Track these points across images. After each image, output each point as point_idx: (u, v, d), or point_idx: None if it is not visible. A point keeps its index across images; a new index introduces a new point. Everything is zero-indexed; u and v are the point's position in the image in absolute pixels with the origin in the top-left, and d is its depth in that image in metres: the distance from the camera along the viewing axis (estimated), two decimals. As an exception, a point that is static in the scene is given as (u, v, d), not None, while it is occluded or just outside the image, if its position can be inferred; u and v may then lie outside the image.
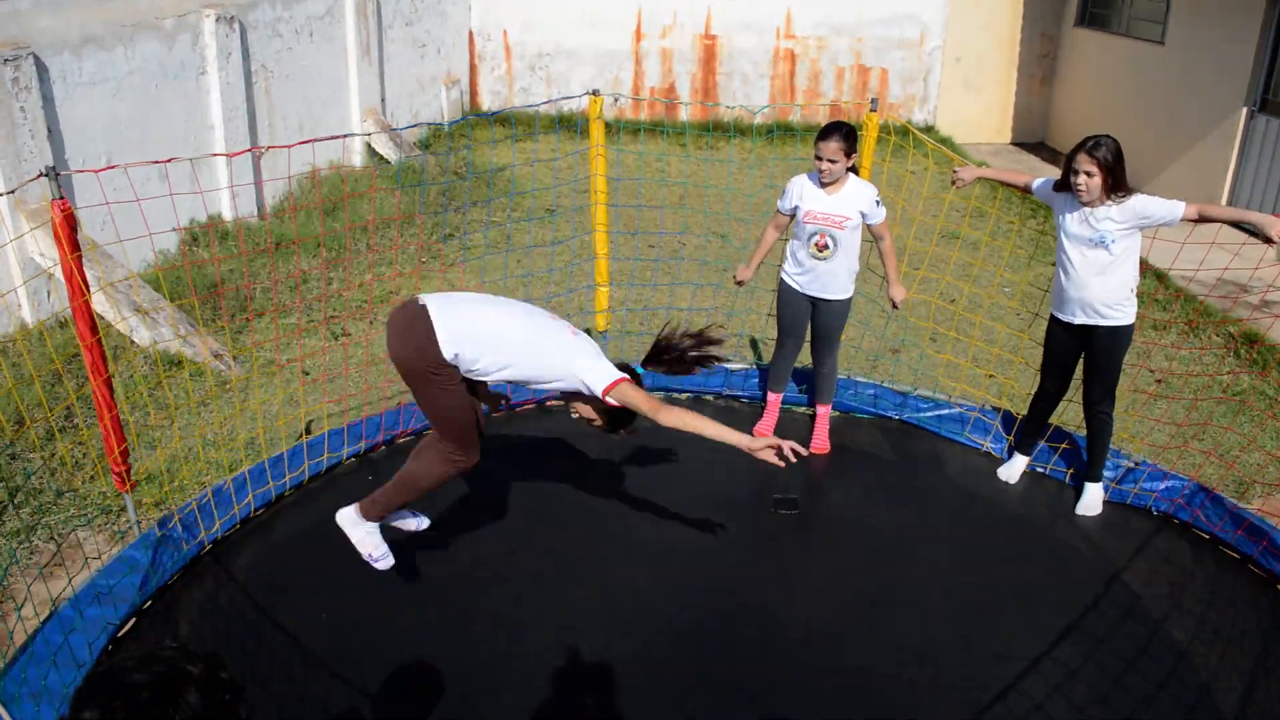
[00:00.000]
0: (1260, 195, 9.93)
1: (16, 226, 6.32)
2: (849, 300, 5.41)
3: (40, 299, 6.68)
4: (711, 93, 14.66)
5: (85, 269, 4.00)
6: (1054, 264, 4.97)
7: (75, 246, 3.87)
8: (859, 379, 6.34)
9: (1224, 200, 10.42)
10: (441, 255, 8.71)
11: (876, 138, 5.96)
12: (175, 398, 5.95)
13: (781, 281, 5.51)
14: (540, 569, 4.52)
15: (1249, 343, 7.25)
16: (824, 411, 5.72)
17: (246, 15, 8.86)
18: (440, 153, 11.88)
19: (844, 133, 5.09)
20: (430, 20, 13.01)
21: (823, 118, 14.57)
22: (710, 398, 6.25)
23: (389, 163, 11.12)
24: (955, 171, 5.26)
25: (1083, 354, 4.99)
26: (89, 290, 3.98)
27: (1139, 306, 4.87)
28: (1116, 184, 4.61)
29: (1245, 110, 10.18)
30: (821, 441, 5.68)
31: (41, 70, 6.54)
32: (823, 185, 5.21)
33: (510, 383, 3.85)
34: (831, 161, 5.10)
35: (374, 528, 4.07)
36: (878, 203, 5.24)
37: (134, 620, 4.09)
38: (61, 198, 3.82)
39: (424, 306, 3.63)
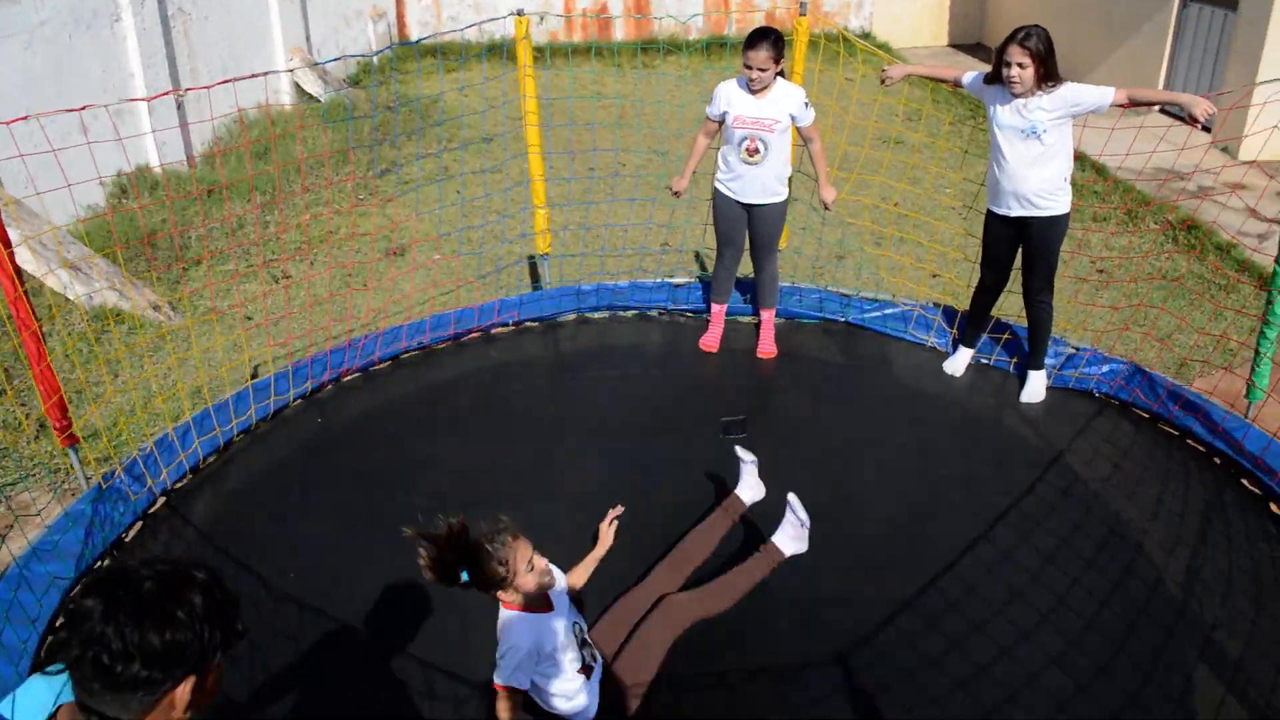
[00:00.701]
0: (1195, 83, 9.99)
1: (-67, 188, 6.14)
2: (784, 203, 5.42)
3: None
4: (644, 8, 14.43)
5: (7, 227, 3.90)
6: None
7: (-11, 200, 3.77)
8: (803, 285, 6.36)
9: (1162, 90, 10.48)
10: (378, 191, 8.58)
11: (807, 43, 5.91)
12: (115, 352, 5.86)
13: (715, 190, 5.50)
14: (495, 500, 4.53)
15: (1187, 229, 7.35)
16: (768, 317, 5.75)
17: (157, -45, 8.56)
18: (369, 86, 11.64)
19: (772, 40, 5.04)
20: (351, -48, 12.64)
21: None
22: (656, 313, 6.25)
23: (318, 101, 10.88)
24: (884, 70, 5.24)
25: (1020, 246, 5.04)
26: (9, 245, 3.88)
27: (1076, 197, 4.92)
28: (1048, 74, 4.62)
29: (1177, 1, 10.19)
30: (768, 346, 5.72)
31: (-56, 24, 6.31)
32: (752, 92, 5.17)
33: None
34: (761, 70, 5.07)
35: None
36: (806, 104, 5.22)
37: (86, 578, 4.07)
38: (-31, 150, 3.70)
39: None
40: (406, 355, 5.74)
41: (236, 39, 9.99)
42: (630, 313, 6.27)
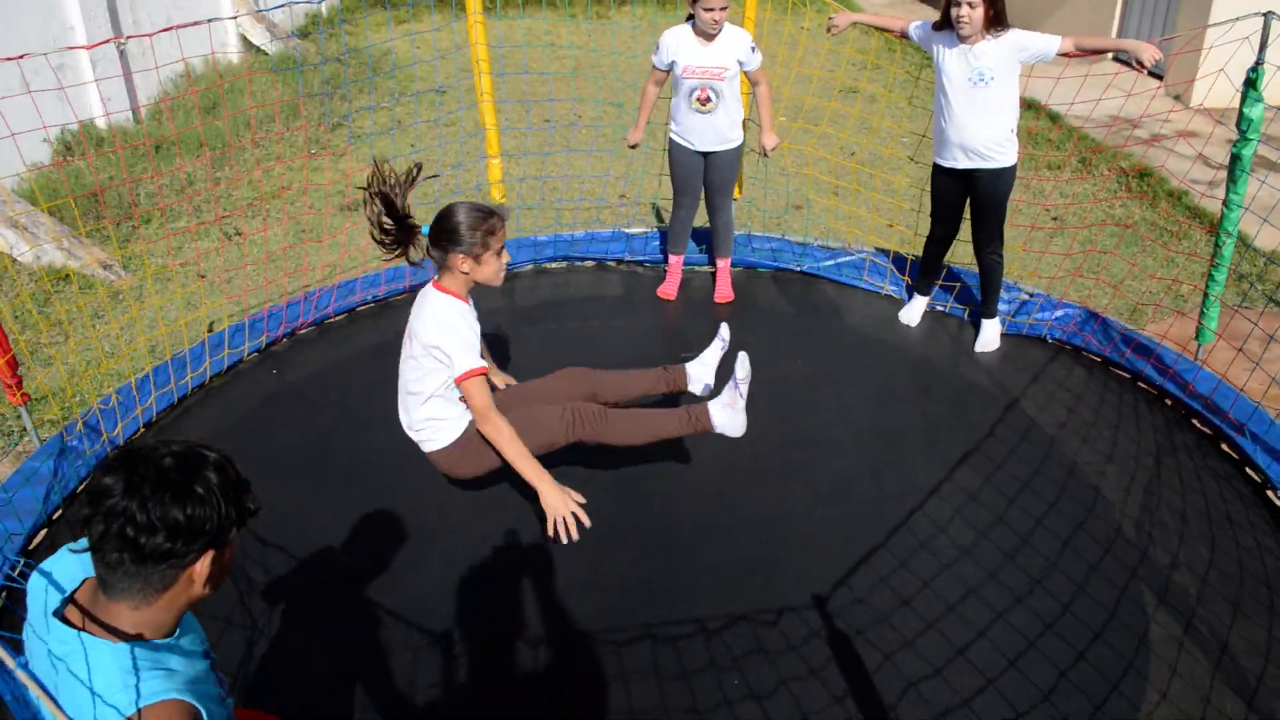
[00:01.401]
0: (1148, 30, 10.05)
1: None
2: (738, 148, 5.41)
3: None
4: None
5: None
6: None
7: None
8: (759, 234, 6.36)
9: (1113, 38, 10.52)
10: (330, 144, 8.45)
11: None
12: (66, 312, 5.76)
13: (670, 140, 5.47)
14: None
15: (1138, 175, 7.43)
16: (724, 265, 5.75)
17: (95, -98, 8.31)
18: (318, 36, 11.42)
19: None
20: (296, -100, 12.34)
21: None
22: (613, 264, 6.23)
23: (266, 54, 10.66)
24: (831, 18, 5.21)
25: (968, 198, 5.06)
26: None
27: (1029, 145, 4.94)
28: (997, 17, 4.62)
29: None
30: (725, 291, 5.74)
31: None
32: (707, 38, 5.13)
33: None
34: (722, 9, 5.01)
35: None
36: (753, 49, 5.19)
37: (44, 531, 4.02)
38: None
39: None
40: (362, 308, 5.69)
41: (180, -10, 9.74)
42: (588, 263, 6.25)
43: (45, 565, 1.77)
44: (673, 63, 5.22)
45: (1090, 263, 6.19)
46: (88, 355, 5.37)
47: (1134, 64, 4.51)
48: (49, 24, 7.78)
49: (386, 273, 5.82)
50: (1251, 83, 4.43)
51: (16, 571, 3.78)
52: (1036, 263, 6.13)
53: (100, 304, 5.86)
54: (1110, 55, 10.04)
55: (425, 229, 3.38)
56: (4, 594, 3.67)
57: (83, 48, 4.38)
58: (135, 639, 1.66)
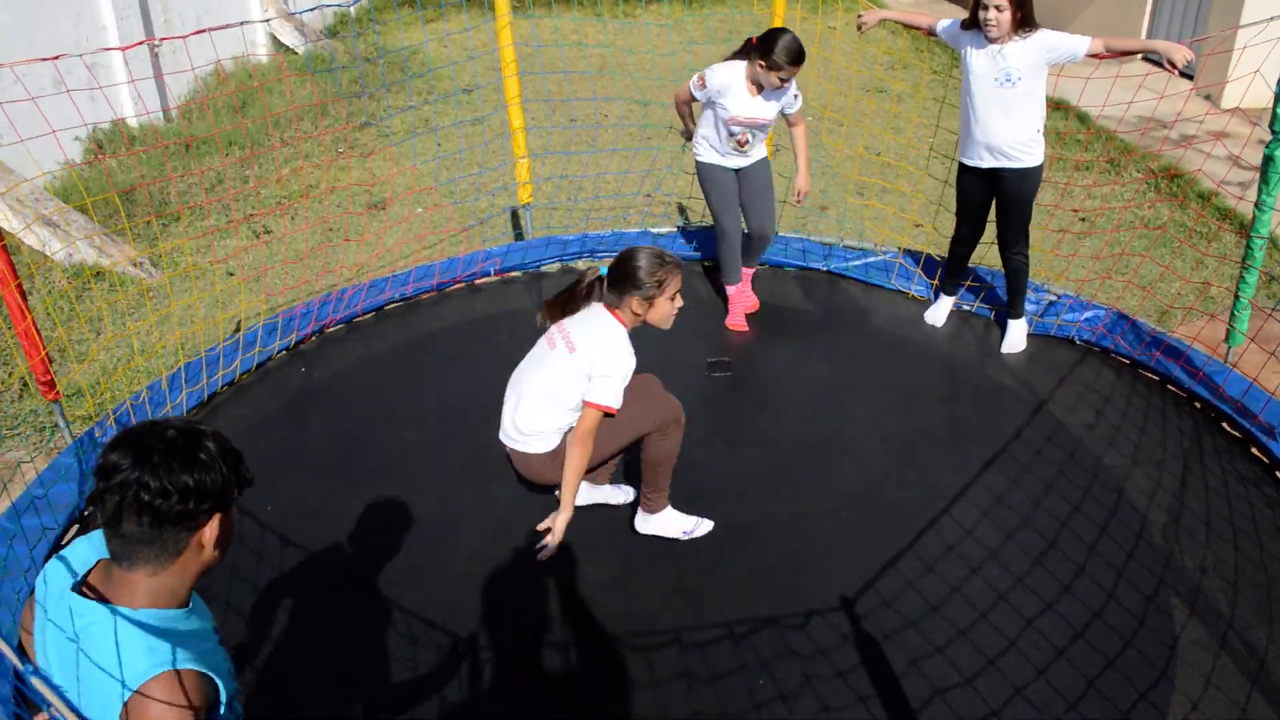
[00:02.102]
0: (1178, 30, 9.96)
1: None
2: (767, 158, 5.39)
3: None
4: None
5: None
6: None
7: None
8: (786, 234, 6.36)
9: (1142, 39, 10.44)
10: (358, 144, 8.51)
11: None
12: (98, 309, 5.82)
13: (700, 163, 5.31)
14: (482, 447, 4.53)
15: (1169, 178, 7.37)
16: (748, 273, 5.70)
17: (128, -97, 8.39)
18: (348, 37, 11.49)
19: (801, 51, 4.87)
20: (326, -100, 12.41)
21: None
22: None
23: (296, 53, 10.74)
24: (860, 16, 5.20)
25: (994, 198, 5.03)
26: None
27: (1057, 146, 4.91)
28: (1025, 19, 4.59)
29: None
30: (750, 301, 5.68)
31: (-89, -25, 6.18)
32: (759, 87, 5.00)
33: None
34: (784, 83, 4.93)
35: (668, 512, 3.96)
36: (796, 95, 5.12)
37: (76, 527, 4.07)
38: (-56, 102, 3.65)
39: None
40: (390, 307, 5.73)
41: (211, -10, 9.82)
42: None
43: (60, 554, 1.84)
44: (715, 102, 5.08)
45: (1120, 265, 6.14)
46: (119, 352, 5.43)
47: (1165, 65, 4.47)
48: (81, 23, 7.87)
49: (416, 271, 5.85)
50: (1285, 83, 4.37)
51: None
52: (1066, 265, 6.09)
53: (131, 301, 5.93)
54: (1140, 56, 9.96)
55: (604, 270, 3.55)
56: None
57: (117, 49, 4.43)
58: (152, 607, 1.74)
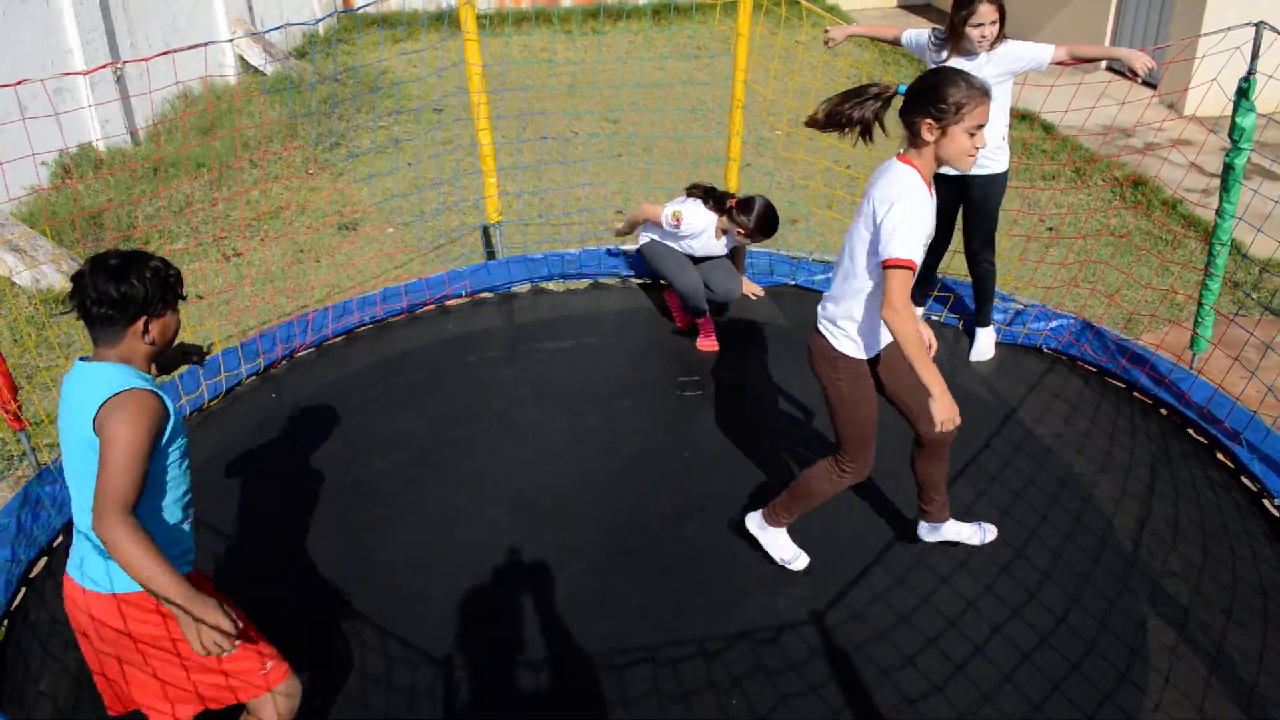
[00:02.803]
0: (1140, 39, 10.08)
1: None
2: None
3: (-94, 245, 6.36)
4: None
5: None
6: None
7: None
8: (754, 249, 6.38)
9: (1106, 46, 10.56)
10: (327, 164, 8.48)
11: (759, 7, 5.91)
12: (67, 334, 5.77)
13: (645, 245, 5.57)
14: (455, 471, 4.54)
15: (1133, 185, 7.45)
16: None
17: (91, -74, 8.35)
18: (314, 56, 11.47)
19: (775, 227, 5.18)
20: (292, -80, 12.39)
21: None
22: (611, 281, 6.24)
23: (264, 74, 10.70)
24: (827, 31, 5.25)
25: (960, 205, 5.08)
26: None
27: (1023, 155, 4.97)
28: (1002, 32, 4.67)
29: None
30: (711, 341, 5.61)
31: None
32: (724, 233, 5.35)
33: None
34: (740, 231, 5.19)
35: (780, 533, 3.88)
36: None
37: (45, 559, 4.03)
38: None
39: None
40: (360, 329, 5.71)
41: (177, 11, 9.78)
42: (584, 282, 6.26)
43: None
44: (678, 235, 5.33)
45: (1086, 273, 6.20)
46: (87, 378, 5.38)
47: (1127, 72, 4.54)
48: (46, 46, 7.82)
49: (382, 292, 5.83)
50: (1244, 92, 4.45)
51: (18, 600, 3.79)
52: (1032, 273, 6.14)
53: (99, 327, 5.87)
54: (1104, 64, 10.08)
55: (902, 88, 3.21)
56: (4, 624, 3.67)
57: (81, 73, 4.41)
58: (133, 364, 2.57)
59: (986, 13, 4.59)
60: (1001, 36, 4.69)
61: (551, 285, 6.24)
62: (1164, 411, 4.82)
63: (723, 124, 7.40)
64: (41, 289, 6.11)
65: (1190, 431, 4.68)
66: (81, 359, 2.59)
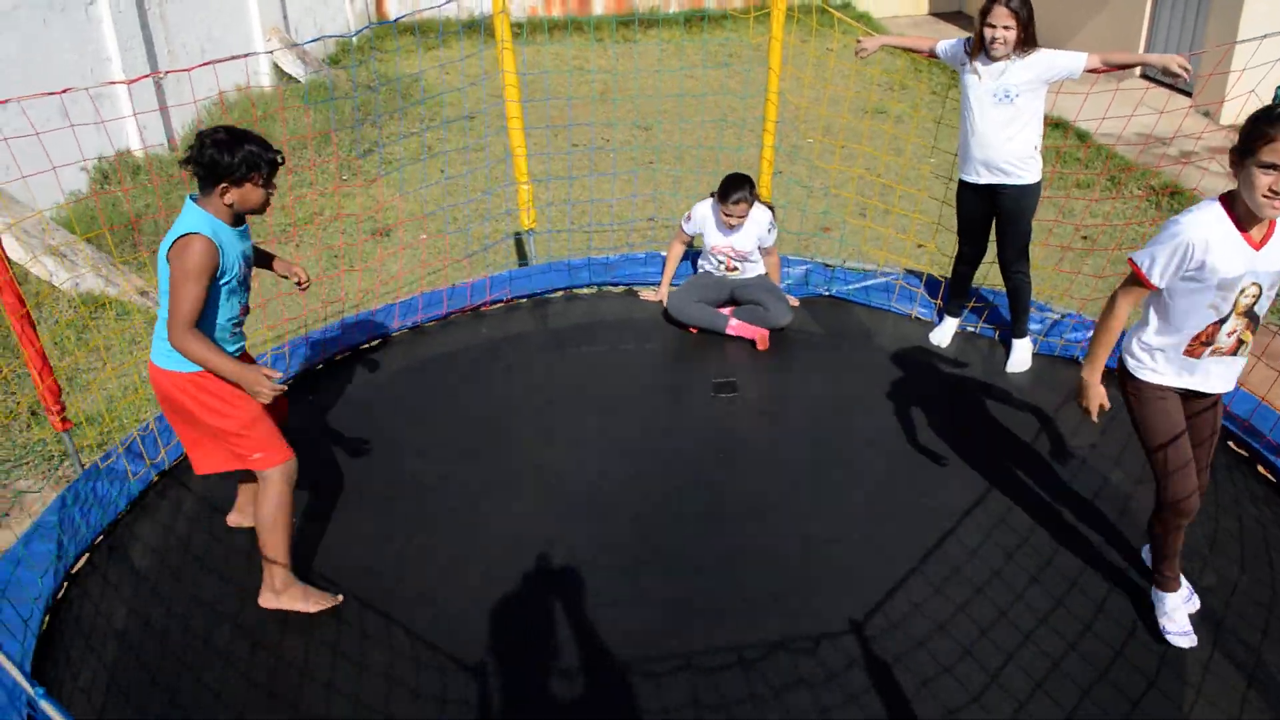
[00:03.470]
0: (1175, 47, 10.01)
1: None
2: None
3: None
4: (624, -16, 14.35)
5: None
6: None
7: (-25, 186, 3.76)
8: (789, 256, 6.38)
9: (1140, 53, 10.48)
10: (361, 171, 8.55)
11: (791, 17, 5.92)
12: (104, 338, 5.85)
13: (672, 298, 5.80)
14: (491, 472, 4.56)
15: (1169, 195, 7.39)
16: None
17: (131, -64, 8.47)
18: (349, 66, 11.57)
19: (749, 189, 5.48)
20: (327, -71, 12.52)
21: (737, 1, 14.36)
22: (644, 291, 6.26)
23: (298, 81, 10.81)
24: (859, 41, 5.25)
25: (993, 215, 5.06)
26: (-4, 230, 3.87)
27: (1058, 163, 4.95)
28: (1029, 37, 4.65)
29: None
30: (755, 331, 5.69)
31: (-82, 9, 6.24)
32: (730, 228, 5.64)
33: None
34: (740, 218, 5.53)
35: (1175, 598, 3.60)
36: (771, 227, 5.65)
37: (87, 555, 4.08)
38: (-46, 136, 3.68)
39: None
40: (397, 334, 5.75)
41: (213, 20, 9.91)
42: (619, 288, 6.28)
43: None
44: (700, 233, 5.75)
45: (1121, 281, 6.15)
46: (125, 381, 5.45)
47: (1163, 77, 4.51)
48: (85, 54, 7.93)
49: (423, 298, 5.87)
50: (1283, 101, 4.41)
51: (60, 595, 3.84)
52: (1069, 283, 6.11)
53: (137, 330, 5.95)
54: (1138, 72, 10.02)
55: None
56: (47, 617, 3.72)
57: (123, 82, 4.47)
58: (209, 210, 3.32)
59: (1001, 15, 4.60)
60: (1033, 45, 4.67)
61: (585, 291, 6.26)
62: (1203, 423, 4.77)
63: (754, 132, 7.41)
64: (81, 293, 6.19)
65: (1231, 444, 4.63)
66: (190, 196, 3.33)
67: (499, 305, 6.08)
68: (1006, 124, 4.75)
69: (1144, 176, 7.76)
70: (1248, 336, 3.30)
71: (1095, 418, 3.42)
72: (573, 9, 14.17)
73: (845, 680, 3.43)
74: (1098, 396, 3.39)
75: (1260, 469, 4.47)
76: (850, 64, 11.04)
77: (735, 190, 5.44)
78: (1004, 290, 5.37)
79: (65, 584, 3.92)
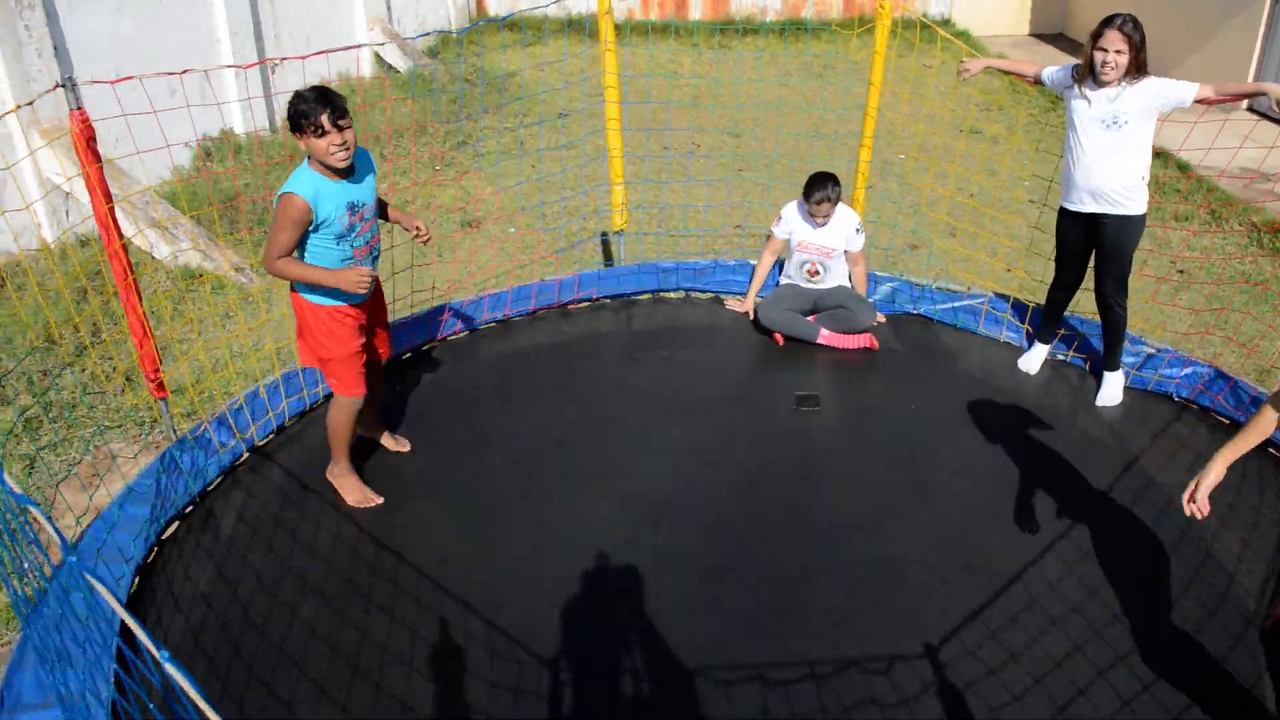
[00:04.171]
0: (1284, 80, 9.75)
1: (31, 144, 6.32)
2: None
3: (60, 217, 6.70)
4: (722, -9, 14.35)
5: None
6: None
7: (96, 156, 3.89)
8: (877, 273, 6.33)
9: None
10: (456, 163, 8.67)
11: (892, 32, 5.89)
12: (198, 310, 6.01)
13: (761, 309, 5.83)
14: (569, 471, 4.60)
15: (1273, 232, 7.20)
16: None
17: (247, -77, 8.70)
18: (450, 60, 11.73)
19: (832, 183, 5.52)
20: (433, -77, 12.72)
21: (834, 12, 14.29)
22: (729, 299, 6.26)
23: (399, 72, 11.00)
24: (962, 62, 5.19)
25: (1094, 245, 4.96)
26: (110, 200, 4.00)
27: (1156, 194, 4.84)
28: (1139, 64, 4.55)
29: (1270, -7, 9.94)
30: (853, 340, 5.73)
31: (44, -14, 6.47)
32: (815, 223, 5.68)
33: None
34: (827, 215, 5.58)
35: None
36: (858, 230, 5.67)
37: (178, 522, 4.20)
38: (79, 108, 3.81)
39: None
40: (484, 326, 5.83)
41: (319, 9, 10.13)
42: (707, 295, 6.29)
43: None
44: (790, 234, 5.76)
45: (1219, 320, 6.01)
46: (216, 355, 5.59)
47: (1274, 111, 4.38)
48: (196, 35, 8.16)
49: (512, 292, 5.95)
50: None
51: (151, 557, 3.96)
52: (1162, 316, 5.98)
53: (231, 306, 6.11)
54: (1245, 105, 9.77)
55: None
56: (136, 579, 3.84)
57: (238, 66, 4.60)
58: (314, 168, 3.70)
59: (1113, 39, 4.50)
60: (1143, 71, 4.58)
61: (671, 295, 6.28)
62: (1299, 470, 4.64)
63: (846, 146, 7.36)
64: (180, 266, 6.36)
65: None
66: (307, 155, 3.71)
67: (585, 304, 6.13)
68: (1113, 151, 4.66)
69: (1246, 212, 7.56)
70: None
71: (1191, 499, 3.15)
72: (671, 13, 14.21)
73: (916, 703, 3.40)
74: (1209, 484, 3.12)
75: (1358, 521, 4.33)
76: (948, 82, 10.92)
77: (819, 188, 5.50)
78: (1095, 319, 5.27)
79: (155, 549, 4.04)
